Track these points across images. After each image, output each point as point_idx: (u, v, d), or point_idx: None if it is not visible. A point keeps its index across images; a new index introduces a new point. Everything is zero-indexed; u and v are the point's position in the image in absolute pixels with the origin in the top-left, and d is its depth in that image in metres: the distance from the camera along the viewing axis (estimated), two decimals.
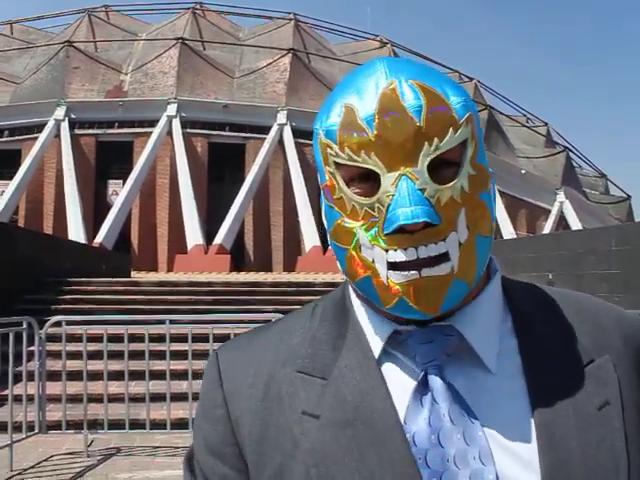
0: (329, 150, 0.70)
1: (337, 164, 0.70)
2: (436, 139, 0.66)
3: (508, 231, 30.98)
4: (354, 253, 0.70)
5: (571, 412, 0.69)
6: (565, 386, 0.70)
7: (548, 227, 36.38)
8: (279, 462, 0.70)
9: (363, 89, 0.69)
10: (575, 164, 45.45)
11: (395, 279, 0.67)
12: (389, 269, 0.67)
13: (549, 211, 38.21)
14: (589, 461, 0.66)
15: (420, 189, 0.65)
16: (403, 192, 0.65)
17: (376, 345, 0.73)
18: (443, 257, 0.67)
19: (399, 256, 0.66)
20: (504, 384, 0.70)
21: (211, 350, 5.74)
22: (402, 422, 0.69)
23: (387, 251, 0.67)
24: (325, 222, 0.75)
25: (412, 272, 0.66)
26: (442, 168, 0.67)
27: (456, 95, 0.70)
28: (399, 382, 0.72)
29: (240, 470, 0.74)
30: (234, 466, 0.75)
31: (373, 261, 0.68)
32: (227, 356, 0.81)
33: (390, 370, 0.72)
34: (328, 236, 0.75)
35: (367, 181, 0.68)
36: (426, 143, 0.66)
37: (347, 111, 0.69)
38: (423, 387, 0.70)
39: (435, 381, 0.70)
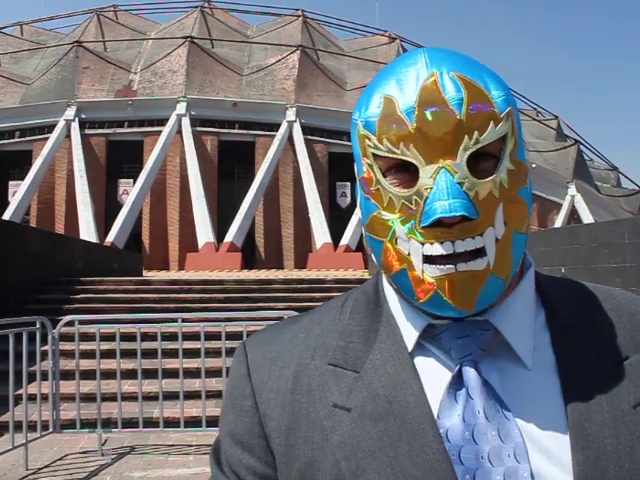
0: (367, 141, 0.70)
1: (375, 156, 0.69)
2: (476, 133, 0.66)
3: None
4: (390, 245, 0.69)
5: (605, 410, 0.67)
6: (599, 383, 0.69)
7: (560, 221, 36.19)
8: (309, 455, 0.70)
9: (403, 80, 0.68)
10: (586, 157, 45.18)
11: (430, 272, 0.67)
12: (425, 262, 0.67)
13: (560, 205, 38.02)
14: (623, 461, 0.65)
15: (458, 182, 0.65)
16: (441, 185, 0.64)
17: (410, 338, 0.73)
18: (479, 252, 0.66)
19: (436, 249, 0.66)
20: (538, 380, 0.70)
21: (223, 348, 5.75)
22: (435, 417, 0.68)
23: (423, 244, 0.67)
24: (361, 214, 0.75)
25: (448, 266, 0.66)
26: (481, 161, 0.67)
27: (497, 89, 0.69)
28: (433, 376, 0.71)
29: (267, 462, 0.74)
30: (261, 458, 0.74)
31: (409, 254, 0.68)
32: (255, 348, 0.80)
33: (423, 364, 0.72)
34: (363, 228, 0.75)
35: (405, 172, 0.68)
36: (466, 136, 0.65)
37: (387, 102, 0.68)
38: (457, 382, 0.69)
39: (470, 376, 0.69)
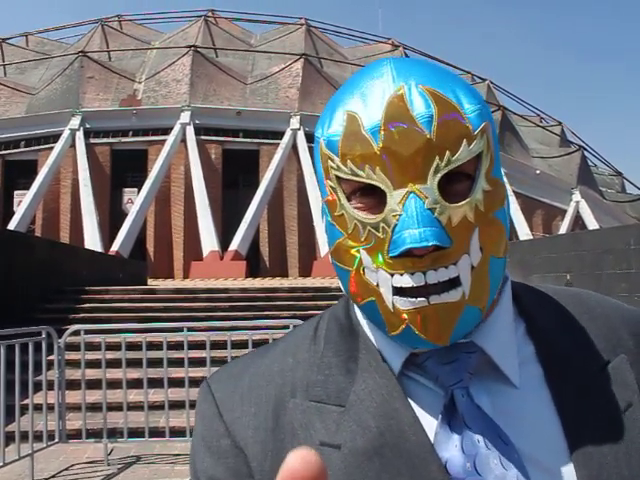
0: (330, 163, 0.64)
1: (339, 178, 0.64)
2: (448, 153, 0.61)
3: (524, 232, 30.77)
4: (357, 276, 0.65)
5: (600, 418, 0.65)
6: (588, 392, 0.67)
7: (564, 227, 36.10)
8: None
9: (368, 94, 0.63)
10: (590, 163, 45.11)
11: (401, 305, 0.62)
12: (395, 294, 0.62)
13: (565, 211, 37.93)
14: (623, 469, 0.63)
15: (429, 208, 0.60)
16: (411, 212, 0.60)
17: (393, 368, 0.68)
18: (454, 282, 0.61)
19: (405, 281, 0.61)
20: (529, 397, 0.67)
21: (229, 357, 5.75)
22: None
23: (393, 275, 0.62)
24: (326, 238, 0.70)
25: (420, 299, 0.61)
26: (454, 182, 0.62)
27: (471, 102, 0.63)
28: (422, 407, 0.66)
29: None
30: None
31: (378, 285, 0.63)
32: (222, 385, 0.74)
33: (410, 394, 0.67)
34: (329, 255, 0.69)
35: (370, 195, 0.63)
36: (437, 157, 0.60)
37: (350, 119, 0.63)
38: (451, 411, 0.65)
39: (463, 404, 0.65)
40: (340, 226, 0.65)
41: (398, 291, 0.62)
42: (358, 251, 0.64)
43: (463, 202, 0.62)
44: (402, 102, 0.61)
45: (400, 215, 0.60)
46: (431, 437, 0.64)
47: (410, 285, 0.61)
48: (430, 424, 0.65)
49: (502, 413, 0.65)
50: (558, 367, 0.68)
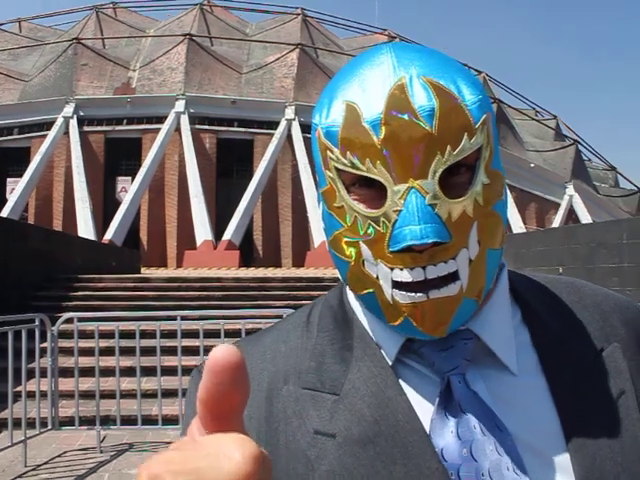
0: (329, 154, 0.63)
1: (338, 170, 0.63)
2: (449, 147, 0.60)
3: (517, 225, 30.86)
4: (356, 267, 0.64)
5: (593, 405, 0.66)
6: (584, 379, 0.67)
7: (558, 221, 36.21)
8: None
9: (367, 84, 0.62)
10: (584, 157, 45.20)
11: (400, 299, 0.62)
12: (394, 288, 0.62)
13: (558, 205, 38.05)
14: (616, 455, 0.63)
15: (430, 204, 0.59)
16: (412, 208, 0.59)
17: (388, 354, 0.67)
18: (452, 276, 0.62)
19: (405, 276, 0.61)
20: (525, 384, 0.67)
21: None
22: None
23: (392, 269, 0.61)
24: (323, 228, 0.69)
25: (419, 294, 0.61)
26: (454, 174, 0.62)
27: (472, 93, 0.62)
28: (418, 392, 0.66)
29: None
30: None
31: (377, 278, 0.63)
32: None
33: (406, 380, 0.67)
34: (327, 244, 0.69)
35: (370, 187, 0.62)
36: (438, 152, 0.60)
37: (349, 110, 0.61)
38: (447, 397, 0.65)
39: (460, 390, 0.65)
40: (339, 217, 0.65)
41: (398, 285, 0.62)
42: (357, 243, 0.64)
43: (462, 198, 0.61)
44: (403, 94, 0.60)
45: (401, 211, 0.60)
46: (427, 424, 0.64)
47: (409, 280, 0.61)
48: (426, 411, 0.65)
49: (498, 399, 0.65)
50: (553, 354, 0.68)
